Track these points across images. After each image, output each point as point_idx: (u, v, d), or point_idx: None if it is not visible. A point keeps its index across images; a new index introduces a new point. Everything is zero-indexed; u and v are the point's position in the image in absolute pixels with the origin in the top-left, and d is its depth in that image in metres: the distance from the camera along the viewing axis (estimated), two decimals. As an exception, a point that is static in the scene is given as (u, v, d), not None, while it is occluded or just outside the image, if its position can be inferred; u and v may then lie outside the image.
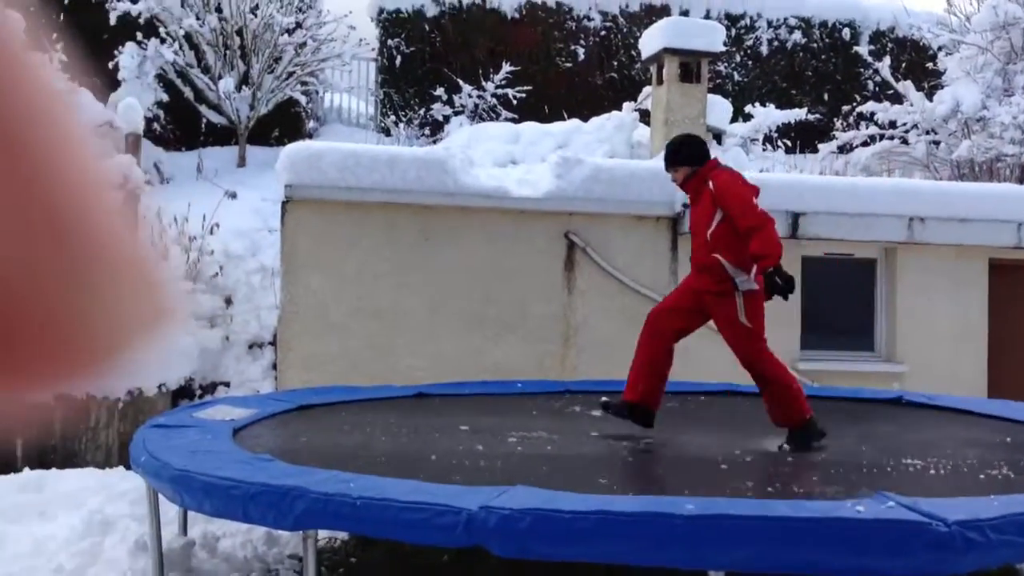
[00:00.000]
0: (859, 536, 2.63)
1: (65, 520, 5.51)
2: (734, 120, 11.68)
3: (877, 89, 13.58)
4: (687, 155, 4.84)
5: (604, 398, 4.96)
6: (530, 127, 10.64)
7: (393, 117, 12.74)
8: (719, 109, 10.82)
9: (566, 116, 11.53)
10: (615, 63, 13.70)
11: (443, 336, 7.33)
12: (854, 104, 12.77)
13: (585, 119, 10.93)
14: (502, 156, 9.90)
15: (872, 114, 11.69)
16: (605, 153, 9.88)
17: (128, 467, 6.66)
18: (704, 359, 7.62)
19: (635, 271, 7.63)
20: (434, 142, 11.77)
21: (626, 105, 10.99)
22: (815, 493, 3.78)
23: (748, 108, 12.12)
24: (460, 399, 5.71)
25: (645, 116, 10.84)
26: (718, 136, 10.85)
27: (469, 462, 3.88)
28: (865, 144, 11.84)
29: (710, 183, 4.63)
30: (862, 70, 14.11)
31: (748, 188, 4.56)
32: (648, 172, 7.82)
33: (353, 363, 7.10)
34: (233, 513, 3.22)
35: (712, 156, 4.92)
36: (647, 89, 11.16)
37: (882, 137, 11.79)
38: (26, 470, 6.47)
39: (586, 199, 7.55)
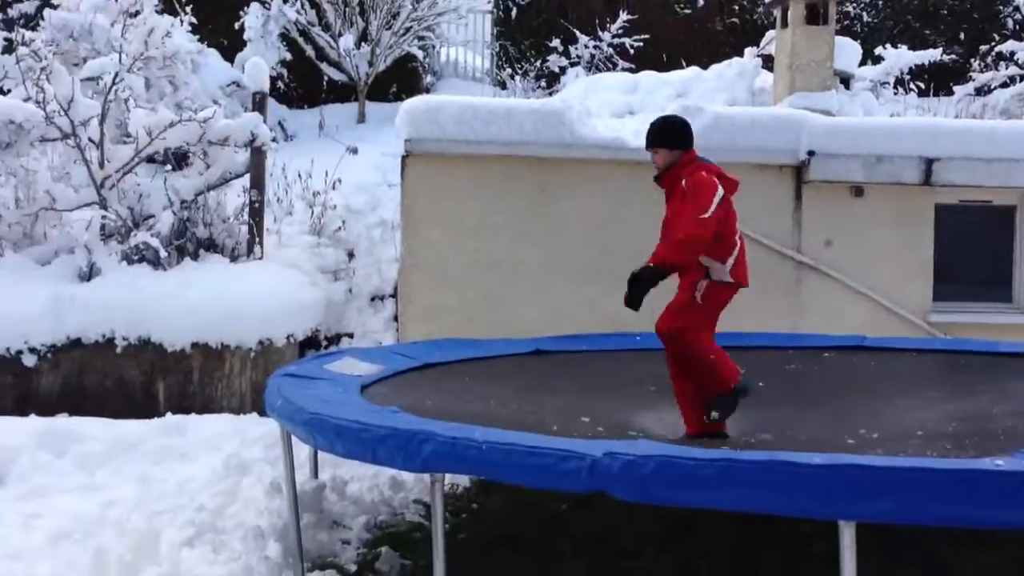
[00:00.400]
0: (998, 488, 2.54)
1: (205, 462, 5.83)
2: (863, 63, 11.21)
3: (1018, 27, 12.79)
4: (673, 136, 4.64)
5: (714, 414, 4.43)
6: (648, 76, 10.46)
7: (509, 70, 12.71)
8: (847, 52, 10.39)
9: (684, 64, 11.28)
10: (736, 7, 13.31)
11: (559, 288, 7.35)
12: (992, 43, 12.07)
13: (704, 67, 10.67)
14: (619, 107, 9.77)
15: (1012, 53, 11.05)
16: (725, 101, 9.64)
17: (261, 413, 6.98)
18: (834, 312, 7.43)
19: (757, 222, 7.44)
20: (550, 94, 11.71)
21: (748, 51, 10.67)
22: (948, 450, 3.65)
23: (878, 50, 11.62)
24: (578, 355, 5.72)
25: (768, 62, 10.53)
26: (846, 80, 10.44)
27: (589, 418, 3.91)
28: (1004, 85, 11.21)
29: (684, 181, 4.46)
30: (1001, 7, 13.29)
31: (710, 198, 4.38)
32: (771, 119, 7.60)
33: (470, 315, 7.20)
34: (363, 455, 3.34)
35: (693, 147, 4.68)
36: (770, 33, 10.81)
37: (1023, 78, 11.13)
38: (168, 415, 6.85)
39: (706, 148, 7.22)
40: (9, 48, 9.32)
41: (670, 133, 4.66)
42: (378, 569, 4.38)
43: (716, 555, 4.28)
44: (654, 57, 12.12)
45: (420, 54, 12.34)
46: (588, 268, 7.36)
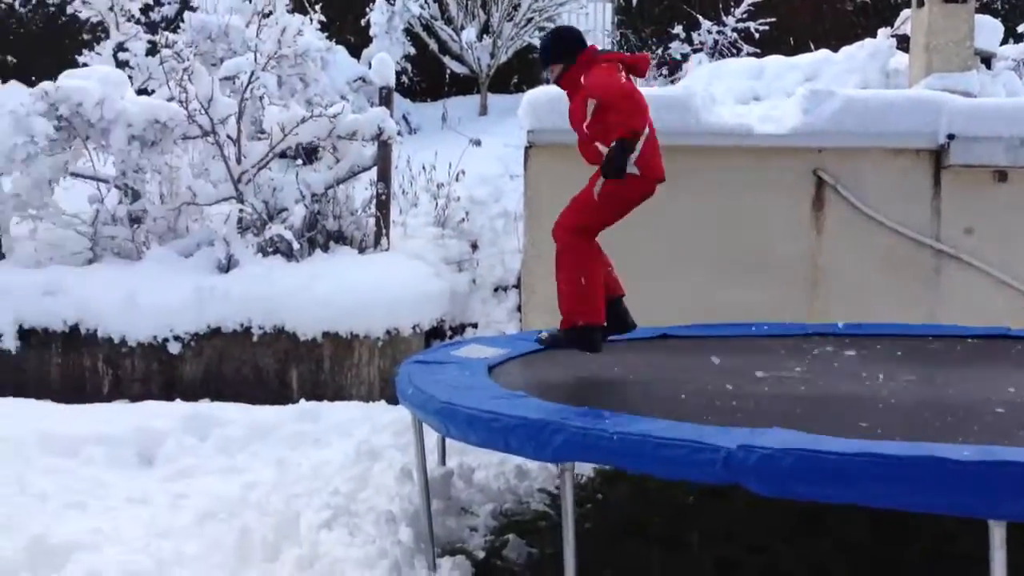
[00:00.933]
0: None
1: (338, 447, 6.01)
2: (1004, 41, 10.65)
3: None
4: (559, 52, 4.56)
5: (543, 332, 4.69)
6: (774, 61, 10.20)
7: (630, 58, 12.59)
8: (988, 30, 9.88)
9: (812, 47, 10.95)
10: (867, -13, 12.83)
11: (683, 277, 7.26)
12: None
13: (834, 49, 10.34)
14: (744, 92, 9.57)
15: None
16: (857, 84, 9.32)
17: (389, 401, 7.16)
18: (976, 302, 7.11)
19: (892, 208, 7.19)
20: (672, 82, 11.56)
21: (881, 31, 10.28)
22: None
23: (1021, 27, 11.00)
24: (704, 340, 5.64)
25: (902, 43, 10.12)
26: (987, 60, 9.93)
27: (720, 402, 3.84)
28: None
29: (583, 79, 4.35)
30: None
31: (615, 80, 4.21)
32: (908, 101, 7.32)
33: (593, 306, 7.17)
34: (495, 444, 3.39)
35: (588, 46, 4.56)
36: (905, 12, 10.38)
37: None
38: (302, 401, 7.10)
39: (837, 133, 7.17)
40: (152, 51, 9.81)
41: (558, 50, 4.60)
42: (506, 556, 4.43)
43: (851, 551, 4.16)
44: (780, 41, 11.81)
45: (541, 45, 12.35)
46: (712, 259, 7.24)
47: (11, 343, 7.47)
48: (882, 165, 7.24)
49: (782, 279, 7.26)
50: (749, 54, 11.74)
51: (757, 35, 12.17)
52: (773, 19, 12.21)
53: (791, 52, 10.79)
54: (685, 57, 12.36)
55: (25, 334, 7.51)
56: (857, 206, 7.18)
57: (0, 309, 7.49)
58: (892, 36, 10.17)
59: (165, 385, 7.48)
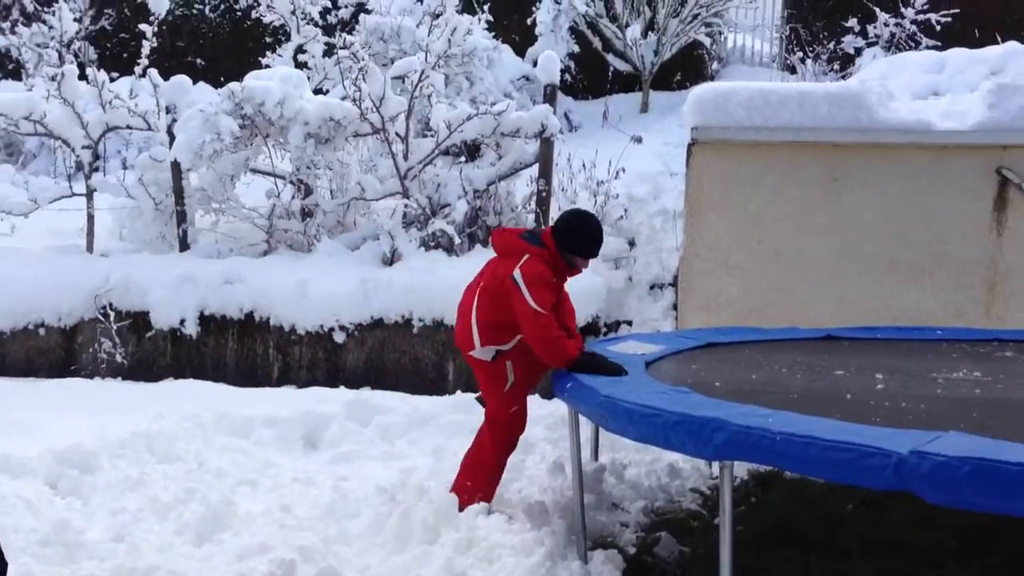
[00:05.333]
0: None
1: (492, 439, 6.10)
2: None
3: None
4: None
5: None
6: (957, 54, 9.62)
7: (800, 53, 12.20)
8: None
9: (999, 40, 10.28)
10: (1062, -25, 11.94)
11: (850, 281, 6.98)
12: None
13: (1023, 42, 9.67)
14: (922, 87, 9.07)
15: None
16: (1049, 78, 8.68)
17: (542, 395, 7.21)
18: None
19: (1085, 210, 6.68)
20: (843, 77, 11.11)
21: (1077, 21, 9.55)
22: None
23: None
24: (872, 343, 5.40)
25: (1103, 32, 9.37)
26: None
27: (889, 403, 3.67)
28: None
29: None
30: None
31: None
32: (1108, 96, 6.77)
33: (753, 306, 7.01)
34: (655, 439, 3.35)
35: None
36: (1105, 0, 9.62)
37: None
38: (458, 393, 7.25)
39: (1025, 130, 6.72)
40: (329, 52, 10.24)
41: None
42: (656, 553, 4.40)
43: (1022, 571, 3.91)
44: (963, 32, 11.13)
45: (707, 41, 12.15)
46: (883, 260, 6.93)
47: (192, 328, 7.97)
48: (1076, 164, 6.73)
49: (959, 282, 6.87)
50: (929, 47, 11.14)
51: (938, 27, 11.53)
52: (957, 10, 11.54)
53: (975, 45, 10.16)
54: (859, 51, 11.85)
55: (205, 320, 8.00)
56: (1045, 207, 6.71)
57: (185, 296, 8.01)
58: (1091, 26, 9.43)
59: (330, 372, 7.80)
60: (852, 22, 12.00)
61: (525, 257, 4.49)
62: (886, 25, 11.70)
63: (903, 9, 11.68)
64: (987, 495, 2.53)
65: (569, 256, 4.60)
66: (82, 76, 9.00)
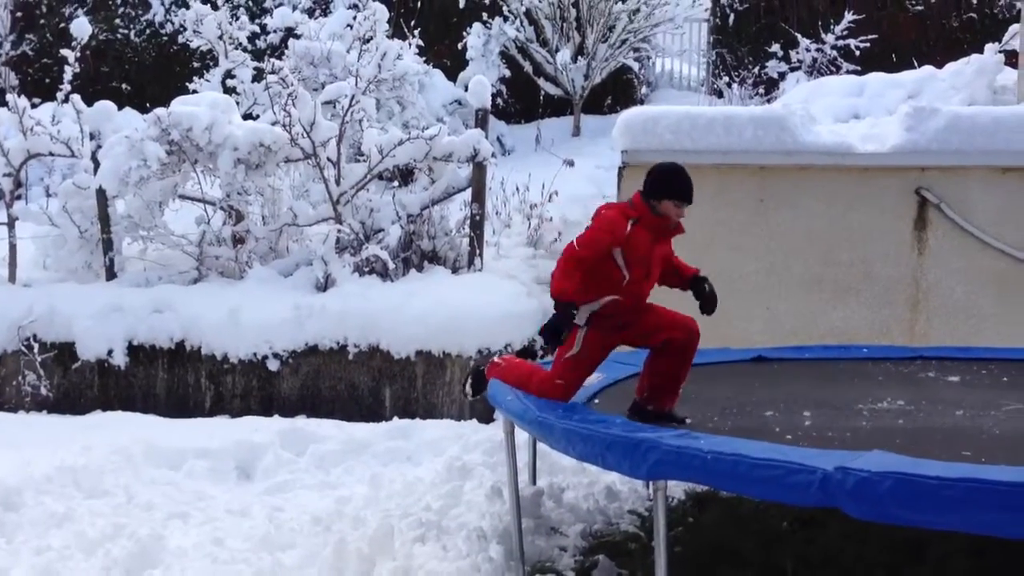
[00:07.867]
0: None
1: (430, 465, 6.08)
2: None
3: None
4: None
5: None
6: (876, 78, 9.95)
7: (726, 78, 12.48)
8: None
9: (916, 64, 10.66)
10: (973, 2, 12.43)
11: (778, 299, 7.13)
12: None
13: (939, 66, 10.04)
14: (843, 111, 9.37)
15: None
16: (962, 101, 9.02)
17: (480, 420, 7.21)
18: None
19: (1000, 228, 6.92)
20: (768, 101, 11.40)
21: (988, 47, 9.95)
22: None
23: None
24: (800, 363, 5.52)
25: (1011, 58, 9.77)
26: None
27: (816, 433, 3.76)
28: None
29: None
30: None
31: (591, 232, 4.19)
32: (1016, 119, 7.05)
33: (689, 326, 7.09)
34: (593, 458, 3.39)
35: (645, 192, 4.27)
36: (1014, 27, 10.04)
37: None
38: (395, 419, 7.20)
39: (941, 152, 6.95)
40: (258, 77, 10.16)
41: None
42: (595, 577, 4.41)
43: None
44: (882, 58, 11.52)
45: (635, 66, 12.35)
46: (810, 279, 7.09)
47: (121, 359, 7.80)
48: (989, 183, 6.99)
49: (883, 300, 7.06)
50: (849, 71, 11.49)
51: (858, 52, 11.90)
52: (875, 36, 11.94)
53: (894, 69, 10.52)
54: (782, 76, 12.17)
55: (134, 350, 7.83)
56: (963, 226, 6.95)
57: (113, 326, 7.84)
58: (1000, 52, 9.83)
59: (264, 401, 7.69)
60: (775, 47, 12.33)
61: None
62: (808, 50, 12.04)
63: (824, 35, 12.04)
64: (908, 509, 2.60)
65: (655, 204, 4.19)
66: (2, 102, 8.80)
